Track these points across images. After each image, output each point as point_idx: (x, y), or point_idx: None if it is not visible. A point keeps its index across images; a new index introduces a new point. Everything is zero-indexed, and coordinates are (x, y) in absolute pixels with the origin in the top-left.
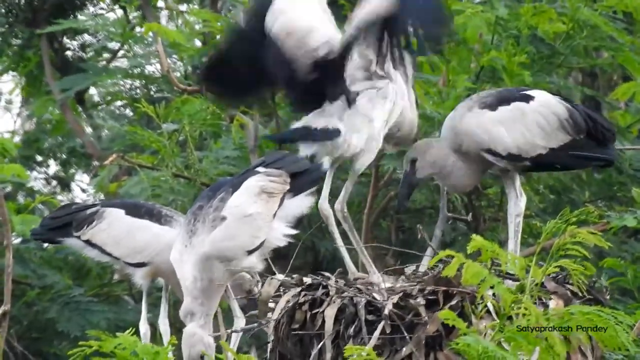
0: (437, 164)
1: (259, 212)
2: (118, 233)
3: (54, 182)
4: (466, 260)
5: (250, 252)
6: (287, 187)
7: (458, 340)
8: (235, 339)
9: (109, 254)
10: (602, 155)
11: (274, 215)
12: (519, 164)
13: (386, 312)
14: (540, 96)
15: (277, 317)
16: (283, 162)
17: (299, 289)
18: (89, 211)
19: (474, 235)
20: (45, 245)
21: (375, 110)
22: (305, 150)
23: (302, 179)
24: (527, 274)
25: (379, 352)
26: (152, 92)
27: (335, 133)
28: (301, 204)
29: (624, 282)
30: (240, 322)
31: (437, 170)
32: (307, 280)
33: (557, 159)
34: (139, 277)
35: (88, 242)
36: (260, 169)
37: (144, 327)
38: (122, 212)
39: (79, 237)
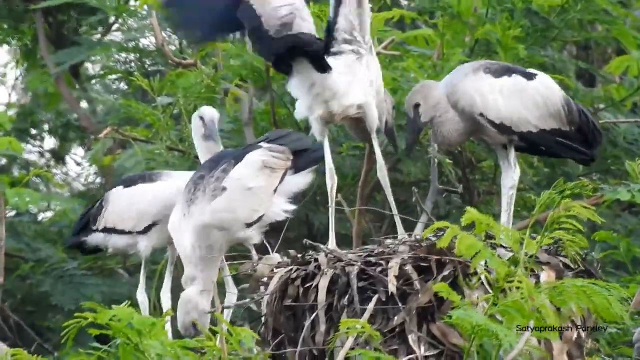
0: (438, 109)
1: (260, 186)
2: (121, 208)
3: (49, 156)
4: (461, 232)
5: (249, 225)
6: (289, 164)
7: (452, 313)
8: (227, 313)
9: (122, 232)
10: (586, 150)
11: (275, 190)
12: (508, 136)
13: (392, 288)
14: (545, 78)
15: (270, 293)
16: (287, 139)
17: (291, 266)
18: (98, 203)
19: (468, 208)
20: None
21: (357, 72)
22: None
23: (305, 157)
24: (521, 247)
25: (372, 321)
26: (146, 66)
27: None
28: (302, 181)
29: (618, 256)
30: (232, 297)
31: (437, 114)
32: (300, 257)
33: (545, 141)
34: (149, 243)
35: (105, 230)
36: (263, 144)
37: (141, 296)
38: (120, 187)
39: (97, 230)
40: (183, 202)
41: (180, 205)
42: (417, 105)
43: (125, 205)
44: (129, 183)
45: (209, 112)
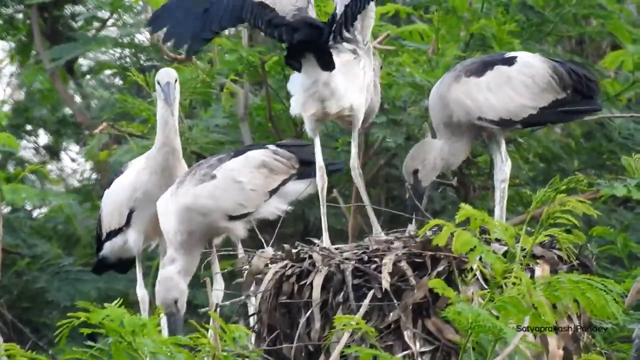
0: (440, 163)
1: (251, 183)
2: (107, 208)
3: (44, 152)
4: (456, 228)
5: (232, 218)
6: (294, 171)
7: (448, 309)
8: (215, 299)
9: (116, 231)
10: (589, 107)
11: (273, 192)
12: (511, 128)
13: (385, 285)
14: (523, 57)
15: (264, 289)
16: (297, 148)
17: (285, 262)
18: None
19: (462, 204)
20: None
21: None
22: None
23: (313, 167)
24: (516, 243)
25: (367, 318)
26: (141, 61)
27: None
28: (303, 188)
29: (614, 250)
30: (219, 294)
31: (441, 167)
32: (296, 251)
33: (547, 117)
34: (136, 235)
35: (107, 237)
36: (270, 145)
37: (141, 292)
38: (105, 191)
39: (104, 240)
40: (175, 183)
41: (172, 186)
42: (415, 172)
43: (108, 204)
44: (108, 184)
45: (163, 75)
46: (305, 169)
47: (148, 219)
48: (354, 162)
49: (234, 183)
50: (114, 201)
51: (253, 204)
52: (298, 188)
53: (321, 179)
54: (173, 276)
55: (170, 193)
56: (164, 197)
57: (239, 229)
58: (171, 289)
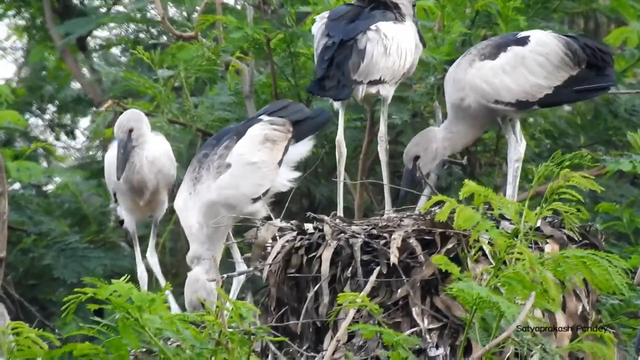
0: (441, 153)
1: (263, 160)
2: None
3: (50, 128)
4: (459, 204)
5: (255, 200)
6: (290, 135)
7: (452, 285)
8: (237, 284)
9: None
10: (603, 83)
11: (280, 163)
12: (528, 109)
13: (394, 259)
14: (536, 35)
15: (273, 261)
16: (286, 110)
17: (294, 233)
18: None
19: (466, 180)
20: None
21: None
22: None
23: (304, 125)
24: (520, 218)
25: (375, 294)
26: (154, 36)
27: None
28: (303, 149)
29: (620, 227)
30: (241, 266)
31: (442, 155)
32: (306, 226)
33: (563, 97)
34: (125, 212)
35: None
36: (263, 117)
37: (140, 268)
38: None
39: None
40: (188, 180)
41: (185, 183)
42: (416, 158)
43: (106, 176)
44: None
45: (118, 125)
46: (298, 128)
47: (129, 198)
48: (383, 135)
49: (249, 166)
50: (107, 176)
51: (269, 179)
52: (299, 151)
53: (339, 152)
54: (200, 277)
55: (187, 191)
56: (180, 195)
57: (261, 209)
58: (198, 290)
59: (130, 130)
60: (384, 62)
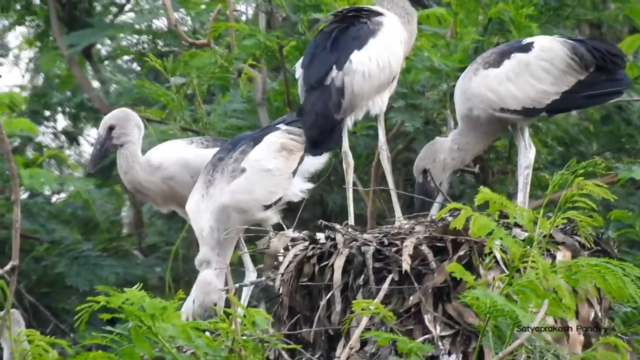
0: (451, 164)
1: (278, 168)
2: None
3: (63, 137)
4: (474, 212)
5: (267, 207)
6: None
7: (467, 293)
8: (247, 292)
9: None
10: (614, 88)
11: (294, 172)
12: (535, 117)
13: (406, 266)
14: (540, 41)
15: (285, 271)
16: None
17: (306, 243)
18: None
19: (481, 187)
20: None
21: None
22: None
23: None
24: (534, 226)
25: (387, 301)
26: (159, 47)
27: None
28: (318, 161)
29: (632, 234)
30: (251, 275)
31: (453, 166)
32: (318, 236)
33: (572, 102)
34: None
35: None
36: (281, 126)
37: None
38: None
39: None
40: (201, 183)
41: (199, 186)
42: (425, 171)
43: None
44: None
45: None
46: None
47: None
48: (382, 144)
49: (264, 172)
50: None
51: (282, 188)
52: (314, 162)
53: (346, 162)
54: (211, 280)
55: (199, 194)
56: (193, 198)
57: (273, 217)
58: (210, 293)
59: (111, 128)
60: (368, 86)
